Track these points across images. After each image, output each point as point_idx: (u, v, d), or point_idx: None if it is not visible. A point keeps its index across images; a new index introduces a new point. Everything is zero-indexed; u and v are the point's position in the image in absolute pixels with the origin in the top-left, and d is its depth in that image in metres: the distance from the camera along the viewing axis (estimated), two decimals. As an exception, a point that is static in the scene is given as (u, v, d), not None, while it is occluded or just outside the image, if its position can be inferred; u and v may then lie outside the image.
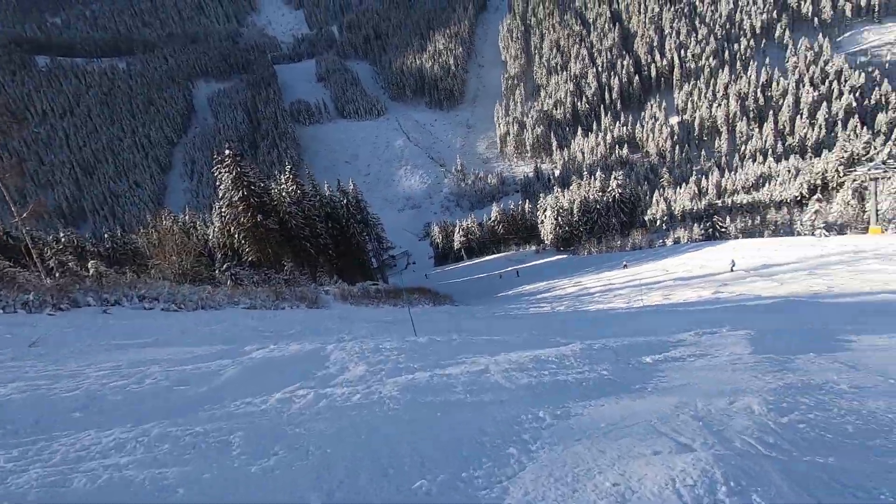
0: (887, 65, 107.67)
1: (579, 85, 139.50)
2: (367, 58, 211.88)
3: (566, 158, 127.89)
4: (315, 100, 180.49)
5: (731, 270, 23.93)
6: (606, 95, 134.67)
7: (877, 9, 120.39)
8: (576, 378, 4.09)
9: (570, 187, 66.68)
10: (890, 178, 39.08)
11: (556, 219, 55.05)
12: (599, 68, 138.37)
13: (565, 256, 49.58)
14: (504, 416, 3.09)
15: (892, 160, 36.56)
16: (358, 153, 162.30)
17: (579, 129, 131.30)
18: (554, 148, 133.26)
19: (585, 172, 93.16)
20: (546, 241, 57.71)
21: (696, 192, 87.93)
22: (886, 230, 32.77)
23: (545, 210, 58.42)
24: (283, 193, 35.31)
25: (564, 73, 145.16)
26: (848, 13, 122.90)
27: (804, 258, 24.07)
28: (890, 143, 70.03)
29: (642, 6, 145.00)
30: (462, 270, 57.89)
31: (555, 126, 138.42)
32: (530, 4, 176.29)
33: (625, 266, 32.47)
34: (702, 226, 52.11)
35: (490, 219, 73.10)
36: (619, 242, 47.01)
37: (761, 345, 5.82)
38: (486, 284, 40.41)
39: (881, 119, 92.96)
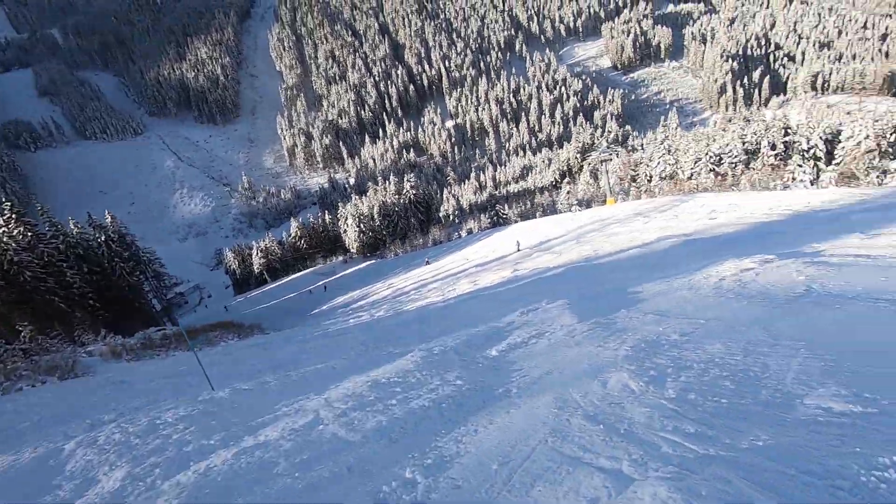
0: (594, 73, 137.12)
1: (360, 94, 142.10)
2: (108, 68, 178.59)
3: (359, 166, 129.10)
4: (40, 119, 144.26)
5: (518, 250, 26.60)
6: (387, 103, 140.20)
7: (581, 30, 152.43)
8: (431, 399, 3.36)
9: (368, 193, 67.08)
10: (612, 159, 49.40)
11: (359, 226, 54.69)
12: (376, 77, 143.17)
13: (374, 261, 49.56)
14: (357, 499, 2.13)
15: (613, 145, 46.08)
16: (116, 180, 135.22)
17: (366, 136, 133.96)
18: (345, 157, 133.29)
19: (380, 178, 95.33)
20: (353, 250, 56.88)
21: (478, 186, 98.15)
22: (618, 200, 40.76)
23: (346, 219, 57.51)
24: (6, 239, 26.73)
25: (343, 82, 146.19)
26: (563, 33, 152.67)
27: (569, 231, 28.15)
28: (606, 133, 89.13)
29: (406, 20, 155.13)
30: (268, 294, 53.04)
31: (342, 135, 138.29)
32: (298, 14, 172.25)
33: (427, 262, 33.65)
34: (487, 215, 58.01)
35: (290, 235, 68.74)
36: (421, 240, 49.02)
37: (581, 311, 5.99)
38: (298, 303, 37.62)
39: (597, 115, 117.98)
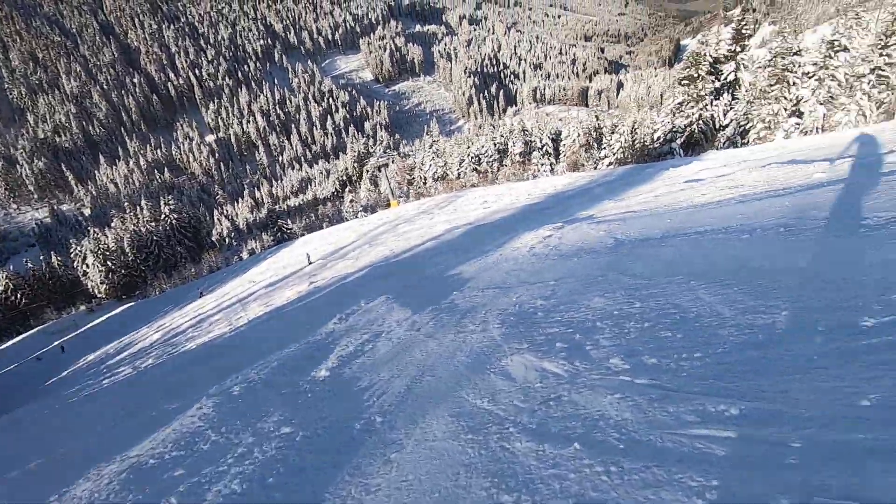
0: (359, 86, 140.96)
1: (84, 106, 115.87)
2: None
3: (95, 193, 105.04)
4: None
5: (310, 262, 24.91)
6: (125, 117, 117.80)
7: (340, 43, 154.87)
8: (244, 475, 2.04)
9: (113, 224, 54.96)
10: (389, 165, 51.19)
11: (105, 264, 44.23)
12: (105, 86, 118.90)
13: (133, 304, 40.68)
14: None
15: (389, 150, 47.62)
16: None
17: (101, 157, 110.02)
18: (73, 183, 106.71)
19: (127, 204, 79.40)
20: (100, 294, 45.73)
21: (254, 203, 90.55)
22: (400, 202, 42.28)
23: (85, 258, 45.86)
24: None
25: (57, 91, 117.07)
26: (323, 45, 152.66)
27: (361, 235, 27.69)
28: (378, 141, 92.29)
29: (137, 21, 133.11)
30: (-33, 375, 38.50)
31: (65, 156, 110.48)
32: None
33: (201, 294, 28.97)
34: (270, 232, 53.70)
35: (-3, 290, 51.40)
36: (193, 270, 42.47)
37: (410, 302, 5.27)
38: (23, 378, 28.01)
39: (368, 125, 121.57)
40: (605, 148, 30.79)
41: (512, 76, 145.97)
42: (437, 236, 17.92)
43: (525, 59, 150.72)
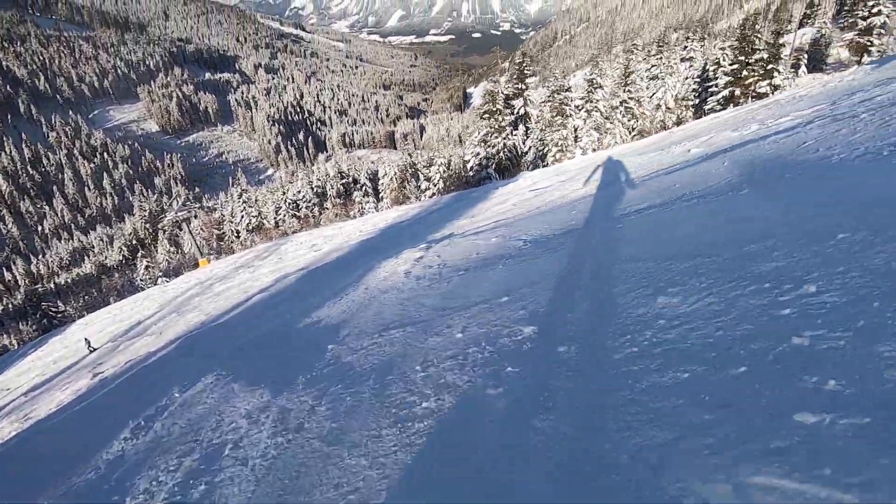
0: (142, 138, 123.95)
1: None
2: None
3: None
4: None
5: (92, 349, 19.75)
6: None
7: (112, 92, 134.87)
8: None
9: None
10: (192, 220, 45.17)
11: None
12: None
13: None
14: None
15: (189, 202, 42.05)
16: None
17: None
18: None
19: None
20: None
21: (4, 287, 70.77)
22: (211, 260, 37.32)
23: None
24: None
25: None
26: (89, 93, 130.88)
27: (164, 303, 23.11)
28: (175, 196, 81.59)
29: None
30: None
31: None
32: None
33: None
34: (32, 320, 42.14)
35: None
36: None
37: (260, 375, 3.82)
38: None
39: (159, 181, 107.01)
40: (425, 181, 31.89)
41: (319, 123, 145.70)
42: (266, 287, 15.59)
43: (329, 107, 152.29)
